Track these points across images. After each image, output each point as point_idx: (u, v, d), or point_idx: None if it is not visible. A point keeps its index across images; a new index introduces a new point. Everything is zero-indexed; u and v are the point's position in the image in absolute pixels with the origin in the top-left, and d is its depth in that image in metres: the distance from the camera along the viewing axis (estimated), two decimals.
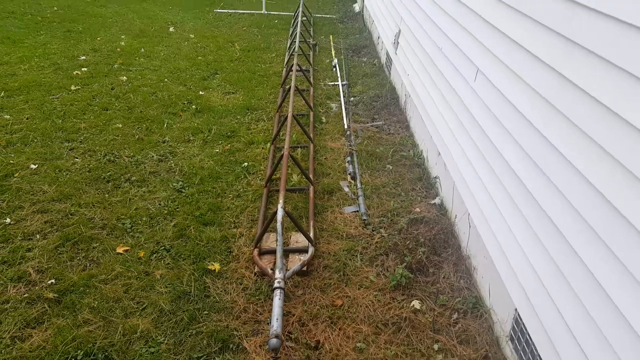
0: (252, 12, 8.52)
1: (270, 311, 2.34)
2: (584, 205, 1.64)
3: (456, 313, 2.43)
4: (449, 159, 3.10)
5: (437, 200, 3.28)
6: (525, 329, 2.02)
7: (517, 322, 2.12)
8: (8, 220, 2.88)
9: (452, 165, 3.05)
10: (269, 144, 3.93)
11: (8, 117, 4.12)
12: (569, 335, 1.68)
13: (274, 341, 2.03)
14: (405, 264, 2.65)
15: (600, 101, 1.56)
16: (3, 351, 2.07)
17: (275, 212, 2.67)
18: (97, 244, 2.75)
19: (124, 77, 5.18)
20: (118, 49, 6.08)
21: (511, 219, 2.19)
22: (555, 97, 1.86)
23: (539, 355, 1.90)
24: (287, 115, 3.74)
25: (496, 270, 2.30)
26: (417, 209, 3.17)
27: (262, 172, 3.58)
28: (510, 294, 2.14)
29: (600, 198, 1.55)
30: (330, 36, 7.07)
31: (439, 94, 3.42)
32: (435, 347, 2.24)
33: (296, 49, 5.41)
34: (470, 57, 2.81)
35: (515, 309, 2.11)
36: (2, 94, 4.54)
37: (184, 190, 3.30)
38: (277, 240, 2.62)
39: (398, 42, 4.94)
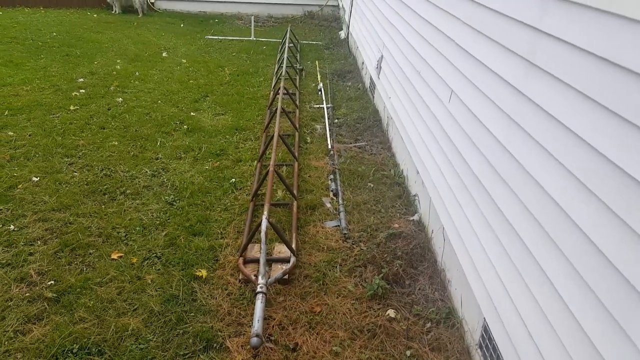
0: (241, 38, 8.87)
1: (252, 314, 2.51)
2: (541, 213, 1.84)
3: (430, 322, 2.59)
4: (426, 176, 3.33)
5: (415, 217, 3.50)
6: (492, 336, 2.20)
7: (486, 330, 2.29)
8: (12, 227, 3.06)
9: (429, 182, 3.27)
10: (255, 161, 4.17)
11: (12, 133, 4.34)
12: (529, 338, 1.85)
13: (255, 340, 2.21)
14: (382, 275, 2.82)
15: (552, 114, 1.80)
16: (6, 342, 2.24)
17: (260, 223, 2.87)
18: (94, 250, 2.92)
19: (120, 99, 5.42)
20: (114, 72, 6.33)
21: (482, 232, 2.37)
22: (516, 112, 2.10)
23: None
24: (273, 135, 4.00)
25: (467, 281, 2.48)
26: (396, 225, 3.38)
27: (248, 187, 3.79)
28: (479, 303, 2.32)
29: (552, 204, 1.78)
30: (317, 61, 7.40)
31: (417, 115, 3.68)
32: (408, 353, 2.40)
33: (283, 73, 5.71)
34: (445, 79, 3.06)
35: (484, 318, 2.30)
36: (6, 112, 4.76)
37: (175, 203, 3.50)
38: (261, 249, 2.82)
39: (381, 67, 5.27)
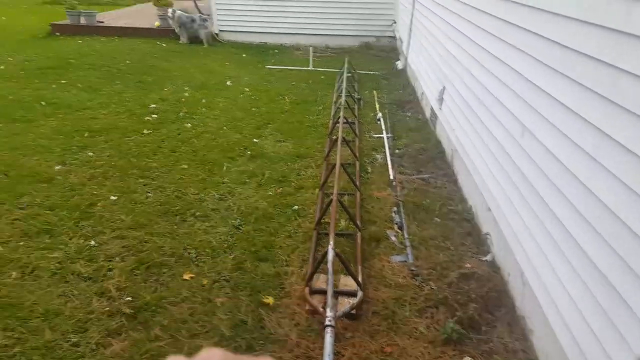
0: (300, 68, 9.11)
1: (321, 348, 2.45)
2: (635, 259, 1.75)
3: None
4: (500, 215, 3.18)
5: (488, 257, 3.33)
6: None
7: None
8: (93, 242, 3.26)
9: (502, 222, 3.13)
10: (317, 189, 4.20)
11: (91, 154, 4.65)
12: None
13: None
14: (456, 318, 2.68)
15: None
16: (89, 354, 2.36)
17: (326, 253, 2.86)
18: (167, 270, 3.02)
19: (189, 124, 5.69)
20: (183, 99, 6.69)
21: (568, 279, 2.22)
22: (598, 151, 2.03)
23: None
24: (334, 164, 4.03)
25: (552, 331, 2.32)
26: (468, 265, 3.20)
27: (311, 215, 3.82)
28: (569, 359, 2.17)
29: None
30: (374, 91, 7.46)
31: (486, 149, 3.59)
32: None
33: (342, 102, 5.80)
34: (517, 115, 3.00)
35: None
36: (86, 134, 5.13)
37: (241, 227, 3.58)
38: (327, 281, 2.80)
39: (443, 99, 5.23)
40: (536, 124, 2.70)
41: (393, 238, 3.61)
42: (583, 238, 2.12)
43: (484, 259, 3.35)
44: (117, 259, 3.11)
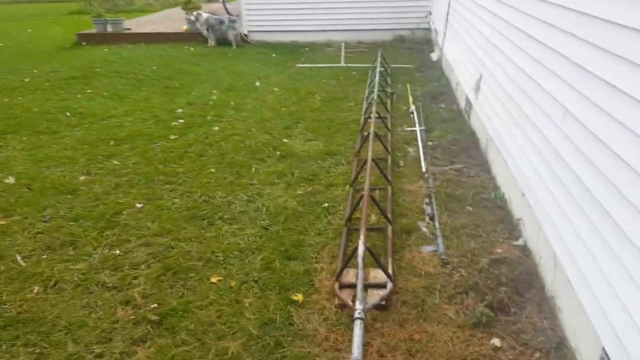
0: (331, 65, 9.24)
1: (350, 340, 2.55)
2: None
3: (538, 352, 2.51)
4: (535, 201, 3.21)
5: (520, 242, 3.38)
6: None
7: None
8: (117, 251, 3.46)
9: (538, 207, 3.16)
10: (348, 186, 4.29)
11: (117, 162, 4.97)
12: None
13: None
14: (485, 302, 2.77)
15: None
16: None
17: (356, 248, 2.95)
18: (194, 274, 3.20)
19: (216, 127, 5.95)
20: (210, 102, 6.98)
21: (603, 259, 2.24)
22: None
23: None
24: (365, 159, 4.11)
25: (583, 309, 2.36)
26: (499, 250, 3.28)
27: (341, 212, 3.91)
28: (597, 332, 2.20)
29: None
30: (408, 84, 7.47)
31: (523, 135, 3.58)
32: None
33: (375, 97, 5.85)
34: (557, 98, 2.99)
35: (603, 347, 2.15)
36: (112, 142, 5.50)
37: (270, 228, 3.72)
38: (357, 275, 2.88)
39: (479, 87, 5.19)
40: (581, 108, 2.66)
41: (424, 229, 3.66)
42: (626, 221, 2.08)
43: (515, 243, 3.40)
44: (143, 266, 3.31)
